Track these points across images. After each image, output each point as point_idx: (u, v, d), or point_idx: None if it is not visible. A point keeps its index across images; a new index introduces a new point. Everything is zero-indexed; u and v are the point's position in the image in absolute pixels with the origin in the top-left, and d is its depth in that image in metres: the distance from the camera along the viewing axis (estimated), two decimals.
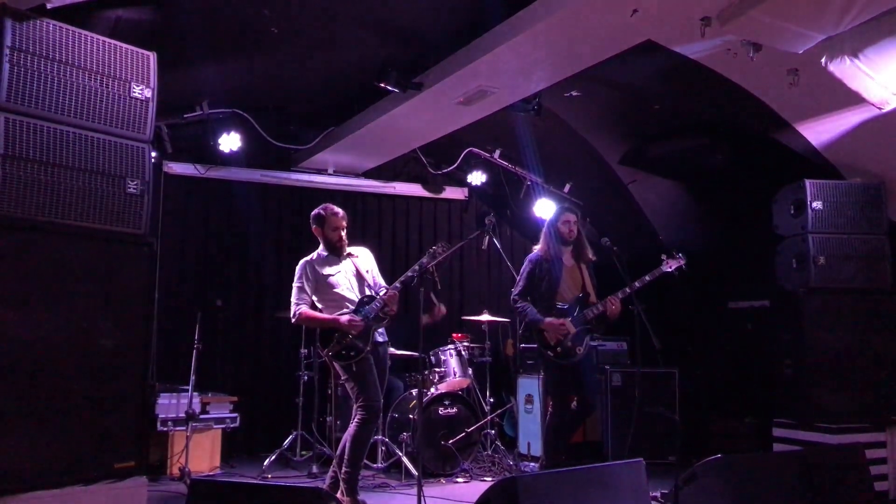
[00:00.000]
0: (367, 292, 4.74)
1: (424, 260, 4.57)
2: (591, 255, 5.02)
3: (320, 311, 4.68)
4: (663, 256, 4.93)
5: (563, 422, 4.84)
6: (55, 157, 2.98)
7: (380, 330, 4.69)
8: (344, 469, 4.44)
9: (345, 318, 4.54)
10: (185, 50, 4.97)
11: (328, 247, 4.77)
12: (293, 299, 4.69)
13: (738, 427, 6.25)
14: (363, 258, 4.88)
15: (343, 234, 4.74)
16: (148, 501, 4.54)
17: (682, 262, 4.91)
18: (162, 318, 6.41)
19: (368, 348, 4.54)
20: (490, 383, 6.27)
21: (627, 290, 4.77)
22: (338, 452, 4.62)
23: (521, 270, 5.08)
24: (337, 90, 6.04)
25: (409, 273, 4.61)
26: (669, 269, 4.89)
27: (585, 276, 4.99)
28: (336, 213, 4.74)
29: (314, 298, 4.70)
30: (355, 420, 4.49)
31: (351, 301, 4.69)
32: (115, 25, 4.05)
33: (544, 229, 5.12)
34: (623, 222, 7.28)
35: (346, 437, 4.53)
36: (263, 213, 7.14)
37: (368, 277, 4.81)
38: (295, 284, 4.72)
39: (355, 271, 4.79)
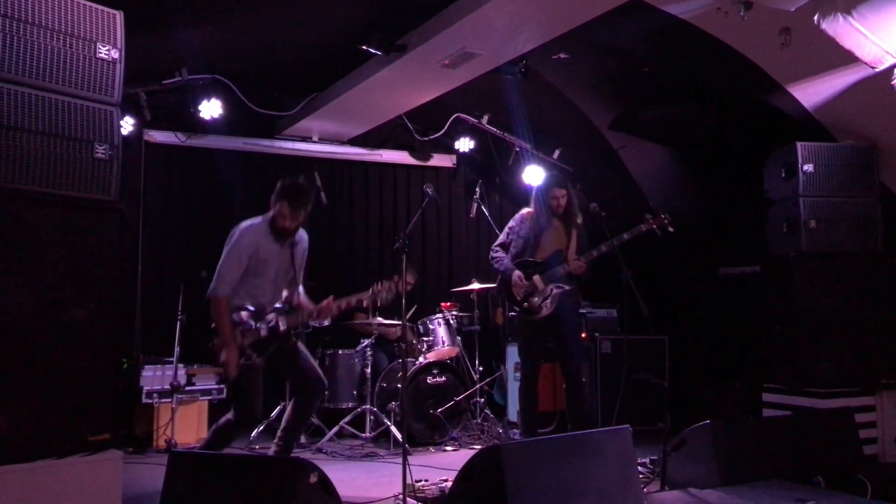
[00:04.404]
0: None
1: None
2: (579, 220, 5.01)
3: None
4: (647, 216, 4.83)
5: (529, 383, 4.96)
6: (15, 121, 2.85)
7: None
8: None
9: (230, 354, 3.73)
10: (162, 13, 4.81)
11: (272, 225, 3.96)
12: (220, 268, 3.86)
13: (727, 393, 6.23)
14: (301, 249, 4.07)
15: (291, 223, 3.90)
16: (134, 474, 4.55)
17: (667, 221, 4.78)
18: (145, 289, 6.31)
19: (258, 360, 3.83)
20: (479, 352, 6.22)
21: (603, 248, 4.76)
22: (282, 425, 4.15)
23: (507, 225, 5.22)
24: (320, 55, 5.89)
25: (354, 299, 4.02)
26: (647, 228, 4.79)
27: (573, 240, 4.96)
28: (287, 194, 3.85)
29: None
30: (226, 414, 3.94)
31: (268, 303, 3.90)
32: None
33: (533, 195, 5.14)
34: (613, 188, 7.19)
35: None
36: (247, 181, 6.99)
37: (299, 276, 4.02)
38: (226, 250, 3.90)
39: (290, 264, 3.95)
